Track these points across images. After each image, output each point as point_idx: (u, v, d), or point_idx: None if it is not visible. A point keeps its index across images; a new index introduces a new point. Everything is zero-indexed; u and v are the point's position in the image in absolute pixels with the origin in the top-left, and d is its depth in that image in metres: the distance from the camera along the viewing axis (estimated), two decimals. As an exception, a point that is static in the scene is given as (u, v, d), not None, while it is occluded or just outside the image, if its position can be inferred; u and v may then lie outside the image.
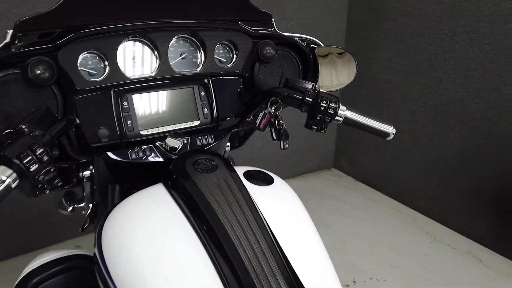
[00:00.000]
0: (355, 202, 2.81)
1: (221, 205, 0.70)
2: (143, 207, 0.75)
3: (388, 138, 0.89)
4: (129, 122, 0.84)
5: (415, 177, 2.65)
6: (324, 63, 1.06)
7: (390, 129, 0.89)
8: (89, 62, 0.80)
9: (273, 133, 0.96)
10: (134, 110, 0.84)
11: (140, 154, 0.87)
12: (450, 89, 2.32)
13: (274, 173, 0.85)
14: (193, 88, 0.92)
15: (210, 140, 0.95)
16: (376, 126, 0.89)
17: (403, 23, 2.53)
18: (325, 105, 0.85)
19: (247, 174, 0.83)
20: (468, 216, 2.38)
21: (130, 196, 0.78)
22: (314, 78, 1.05)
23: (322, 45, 1.06)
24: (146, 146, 0.87)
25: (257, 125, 0.96)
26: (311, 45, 1.05)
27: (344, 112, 0.87)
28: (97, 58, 0.81)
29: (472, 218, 2.35)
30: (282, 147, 0.95)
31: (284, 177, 0.87)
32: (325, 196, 2.88)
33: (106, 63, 0.81)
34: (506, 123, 2.09)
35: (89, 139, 0.80)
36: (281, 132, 0.95)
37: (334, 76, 1.07)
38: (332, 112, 0.85)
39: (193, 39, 0.91)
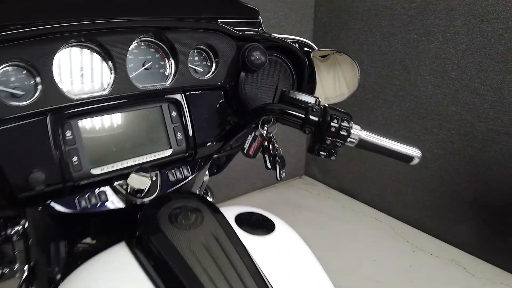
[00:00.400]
0: (331, 212, 2.66)
1: (213, 277, 0.50)
2: (99, 284, 0.53)
3: (412, 163, 0.72)
4: (75, 158, 0.61)
5: (391, 183, 2.55)
6: (319, 70, 0.87)
7: (415, 152, 0.70)
8: (12, 79, 0.57)
9: (267, 161, 0.76)
10: (82, 142, 0.62)
11: (93, 201, 0.64)
12: (426, 91, 2.23)
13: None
14: (161, 107, 0.70)
15: (186, 172, 0.74)
16: (397, 148, 0.71)
17: (373, 23, 2.41)
18: (336, 125, 0.66)
19: (239, 220, 0.64)
20: (449, 222, 2.29)
21: (80, 267, 0.55)
22: (311, 89, 0.86)
23: (317, 48, 0.87)
24: (100, 189, 0.65)
25: (245, 151, 0.76)
26: (305, 49, 0.86)
27: (359, 132, 0.69)
28: (24, 72, 0.57)
29: (453, 223, 2.27)
30: (278, 177, 0.76)
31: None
32: (299, 207, 2.71)
33: (38, 79, 0.58)
34: (486, 124, 2.02)
35: (17, 188, 0.56)
36: (277, 158, 0.76)
37: (333, 85, 0.89)
38: (345, 134, 0.67)
39: (160, 43, 0.69)
